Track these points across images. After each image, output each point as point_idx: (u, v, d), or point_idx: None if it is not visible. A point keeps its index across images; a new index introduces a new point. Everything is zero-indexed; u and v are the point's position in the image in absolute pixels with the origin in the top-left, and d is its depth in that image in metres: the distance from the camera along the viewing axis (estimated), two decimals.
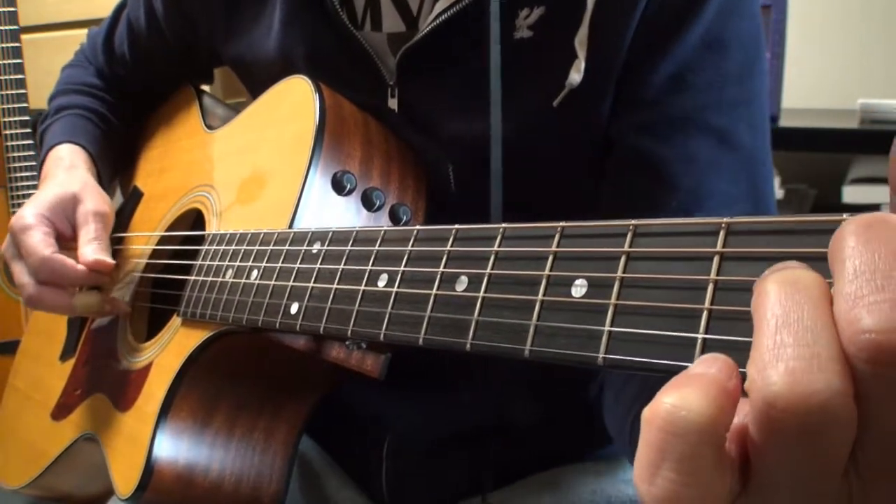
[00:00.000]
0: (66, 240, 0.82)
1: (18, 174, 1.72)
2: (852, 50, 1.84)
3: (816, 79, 1.85)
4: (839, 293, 0.25)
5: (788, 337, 0.25)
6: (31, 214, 0.80)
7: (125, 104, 1.02)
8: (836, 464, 0.25)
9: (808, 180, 1.84)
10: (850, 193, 1.63)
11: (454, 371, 0.75)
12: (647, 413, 0.27)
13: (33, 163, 1.72)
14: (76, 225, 0.82)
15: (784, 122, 1.68)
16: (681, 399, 0.26)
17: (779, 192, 1.69)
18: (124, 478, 0.69)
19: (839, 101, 1.80)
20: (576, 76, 0.64)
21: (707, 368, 0.27)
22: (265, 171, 0.71)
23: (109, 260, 0.79)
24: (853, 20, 1.85)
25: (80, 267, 0.77)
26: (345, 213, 0.64)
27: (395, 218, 0.66)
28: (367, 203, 0.65)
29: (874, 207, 1.62)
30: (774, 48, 1.63)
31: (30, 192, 1.71)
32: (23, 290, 0.80)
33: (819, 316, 0.25)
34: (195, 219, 0.83)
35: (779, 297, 0.26)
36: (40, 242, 0.78)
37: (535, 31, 0.66)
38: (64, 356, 0.94)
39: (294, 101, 0.71)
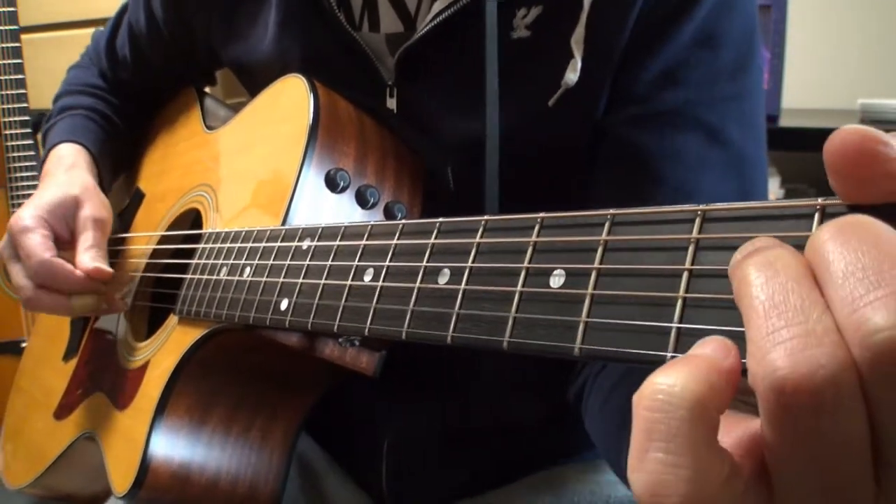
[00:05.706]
0: (64, 243, 0.81)
1: (18, 174, 1.72)
2: (852, 50, 1.84)
3: (816, 79, 1.84)
4: (833, 300, 0.24)
5: (780, 320, 0.24)
6: (29, 216, 0.80)
7: (128, 105, 1.02)
8: (859, 444, 0.24)
9: (808, 180, 1.84)
10: None
11: (454, 370, 0.75)
12: (636, 396, 0.26)
13: (33, 163, 1.72)
14: (75, 230, 0.82)
15: (784, 122, 1.67)
16: (667, 377, 0.25)
17: (779, 192, 1.69)
18: (120, 475, 0.69)
19: (839, 101, 1.80)
20: (572, 76, 0.63)
21: (700, 350, 0.27)
22: (260, 170, 0.71)
23: (107, 268, 0.79)
24: (853, 20, 1.84)
25: (78, 272, 0.77)
26: (339, 211, 0.64)
27: (389, 216, 0.66)
28: (362, 200, 0.65)
29: None
30: (774, 48, 1.63)
31: (30, 192, 1.71)
32: (20, 292, 0.79)
33: (805, 293, 0.24)
34: (194, 218, 0.83)
35: (760, 281, 0.25)
36: (39, 245, 0.77)
37: (533, 31, 0.65)
38: (67, 356, 0.94)
39: (289, 99, 0.71)
